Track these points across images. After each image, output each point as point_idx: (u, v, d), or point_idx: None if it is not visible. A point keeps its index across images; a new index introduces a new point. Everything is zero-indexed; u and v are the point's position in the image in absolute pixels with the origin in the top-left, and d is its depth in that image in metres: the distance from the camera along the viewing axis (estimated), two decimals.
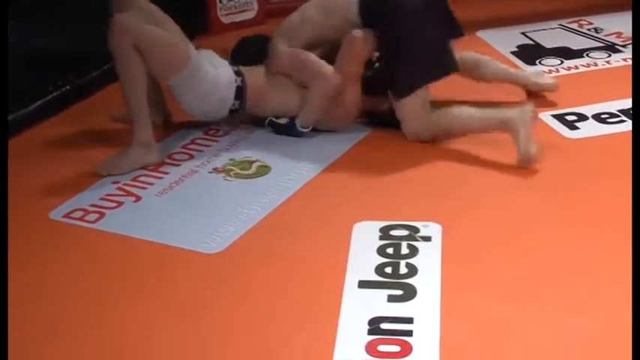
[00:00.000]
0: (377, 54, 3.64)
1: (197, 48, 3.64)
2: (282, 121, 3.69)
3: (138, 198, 3.31)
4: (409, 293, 2.71)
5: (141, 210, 3.25)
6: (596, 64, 4.32)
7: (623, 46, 4.49)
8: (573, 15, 4.91)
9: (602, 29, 4.72)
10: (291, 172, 3.45)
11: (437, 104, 3.55)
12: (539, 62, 4.36)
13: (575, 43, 4.59)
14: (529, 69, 4.27)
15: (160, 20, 3.53)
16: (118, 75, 3.50)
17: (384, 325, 2.56)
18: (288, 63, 3.65)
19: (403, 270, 2.82)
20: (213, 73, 3.57)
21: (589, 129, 3.70)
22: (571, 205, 3.17)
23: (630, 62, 4.28)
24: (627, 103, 3.79)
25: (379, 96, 3.64)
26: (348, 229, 3.05)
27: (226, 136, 3.73)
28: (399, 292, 2.71)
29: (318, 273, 2.84)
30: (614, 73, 4.21)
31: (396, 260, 2.87)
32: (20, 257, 2.81)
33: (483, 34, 4.72)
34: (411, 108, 3.49)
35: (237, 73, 3.62)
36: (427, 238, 2.98)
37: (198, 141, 3.70)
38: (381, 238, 2.99)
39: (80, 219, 3.19)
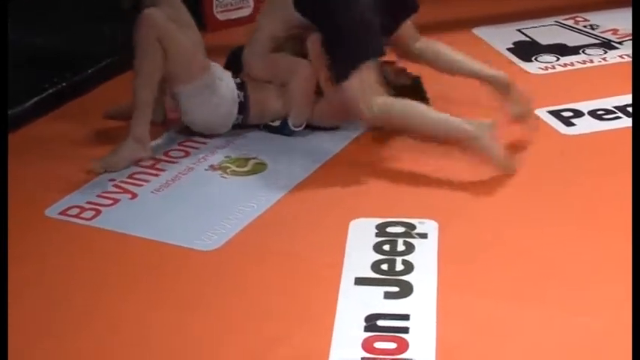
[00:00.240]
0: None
1: None
2: (276, 123, 3.69)
3: (134, 195, 3.31)
4: (405, 290, 2.71)
5: (137, 207, 3.25)
6: (592, 61, 4.32)
7: (619, 42, 4.50)
8: (569, 11, 4.91)
9: (598, 26, 4.72)
10: (287, 169, 3.45)
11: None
12: (535, 59, 4.36)
13: (571, 39, 4.58)
14: (525, 65, 4.27)
15: (185, 22, 3.55)
16: (134, 67, 3.50)
17: (380, 322, 2.56)
18: (263, 69, 3.67)
19: (399, 267, 2.82)
20: (223, 88, 3.59)
21: (585, 125, 3.70)
22: (568, 202, 3.17)
23: (626, 59, 4.28)
24: (623, 100, 3.80)
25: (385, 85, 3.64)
26: (345, 226, 3.05)
27: (222, 134, 3.72)
28: (396, 289, 2.71)
29: (315, 270, 2.84)
30: (610, 70, 4.21)
31: (392, 257, 2.87)
32: (16, 254, 2.80)
33: (479, 31, 4.72)
34: (352, 92, 3.43)
35: (240, 86, 3.64)
36: (423, 235, 2.98)
37: (194, 138, 3.69)
38: (377, 235, 2.99)
39: (76, 216, 3.19)
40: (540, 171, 3.37)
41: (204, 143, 3.66)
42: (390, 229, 3.02)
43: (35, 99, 3.95)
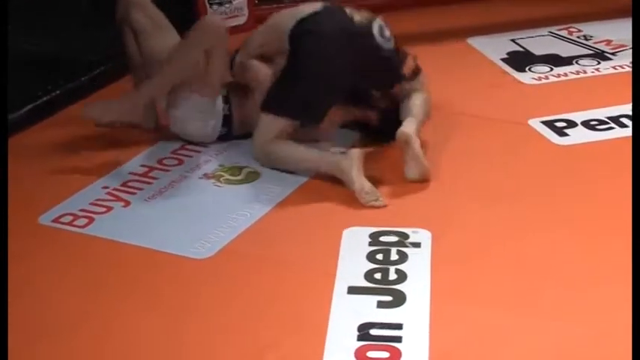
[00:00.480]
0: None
1: None
2: None
3: (127, 203, 3.31)
4: (399, 299, 2.71)
5: (130, 215, 3.24)
6: (585, 72, 4.33)
7: (613, 53, 4.51)
8: (563, 22, 4.92)
9: (591, 37, 4.74)
10: (280, 178, 3.45)
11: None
12: (529, 69, 4.37)
13: (565, 50, 4.60)
14: (519, 76, 4.28)
15: (164, 25, 3.70)
16: (170, 56, 3.56)
17: (373, 331, 2.56)
18: (240, 74, 3.70)
19: (393, 276, 2.82)
20: (218, 100, 3.63)
21: (578, 135, 3.70)
22: (561, 211, 3.17)
23: (619, 70, 4.29)
24: (616, 110, 3.81)
25: (368, 107, 3.65)
26: (338, 234, 3.05)
27: (216, 142, 3.72)
28: (389, 298, 2.71)
29: (308, 279, 2.84)
30: (604, 81, 4.22)
31: (385, 266, 2.87)
32: (9, 261, 2.79)
33: (473, 41, 4.73)
34: (260, 124, 3.52)
35: (225, 100, 3.65)
36: (417, 245, 2.98)
37: (188, 146, 3.69)
38: (370, 244, 2.99)
39: (69, 224, 3.18)
40: (534, 181, 3.38)
41: (198, 152, 3.66)
42: (383, 238, 3.02)
43: (29, 106, 3.95)
